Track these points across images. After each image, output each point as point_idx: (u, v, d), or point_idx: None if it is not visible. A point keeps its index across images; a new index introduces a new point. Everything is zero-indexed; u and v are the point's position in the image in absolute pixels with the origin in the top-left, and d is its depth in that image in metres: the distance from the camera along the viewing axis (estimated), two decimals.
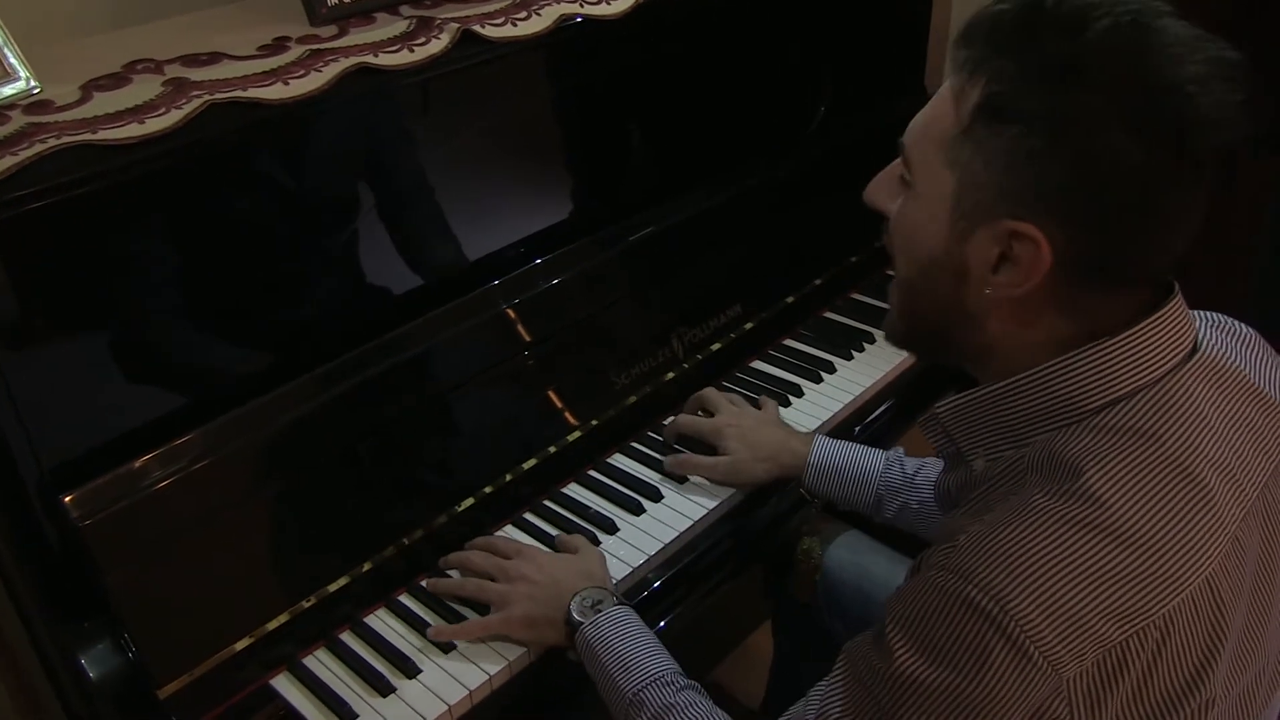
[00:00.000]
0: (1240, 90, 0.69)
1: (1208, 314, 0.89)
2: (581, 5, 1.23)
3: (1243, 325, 0.89)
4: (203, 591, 1.01)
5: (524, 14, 1.19)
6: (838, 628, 1.34)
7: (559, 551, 1.16)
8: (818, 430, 1.36)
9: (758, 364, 1.49)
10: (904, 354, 1.49)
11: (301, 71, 1.03)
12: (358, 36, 1.13)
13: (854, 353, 1.50)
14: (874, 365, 1.48)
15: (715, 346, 1.44)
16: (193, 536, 1.00)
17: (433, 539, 1.17)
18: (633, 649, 0.99)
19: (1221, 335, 0.85)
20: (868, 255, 1.65)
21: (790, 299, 1.54)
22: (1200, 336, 0.80)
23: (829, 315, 1.59)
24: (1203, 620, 0.73)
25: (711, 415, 1.33)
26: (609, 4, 1.25)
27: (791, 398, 1.42)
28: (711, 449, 1.29)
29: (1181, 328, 0.78)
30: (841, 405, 1.41)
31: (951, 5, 1.84)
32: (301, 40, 1.12)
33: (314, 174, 1.11)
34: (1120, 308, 0.77)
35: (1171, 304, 0.78)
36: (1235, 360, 0.81)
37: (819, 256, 1.61)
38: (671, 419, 1.35)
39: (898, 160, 0.84)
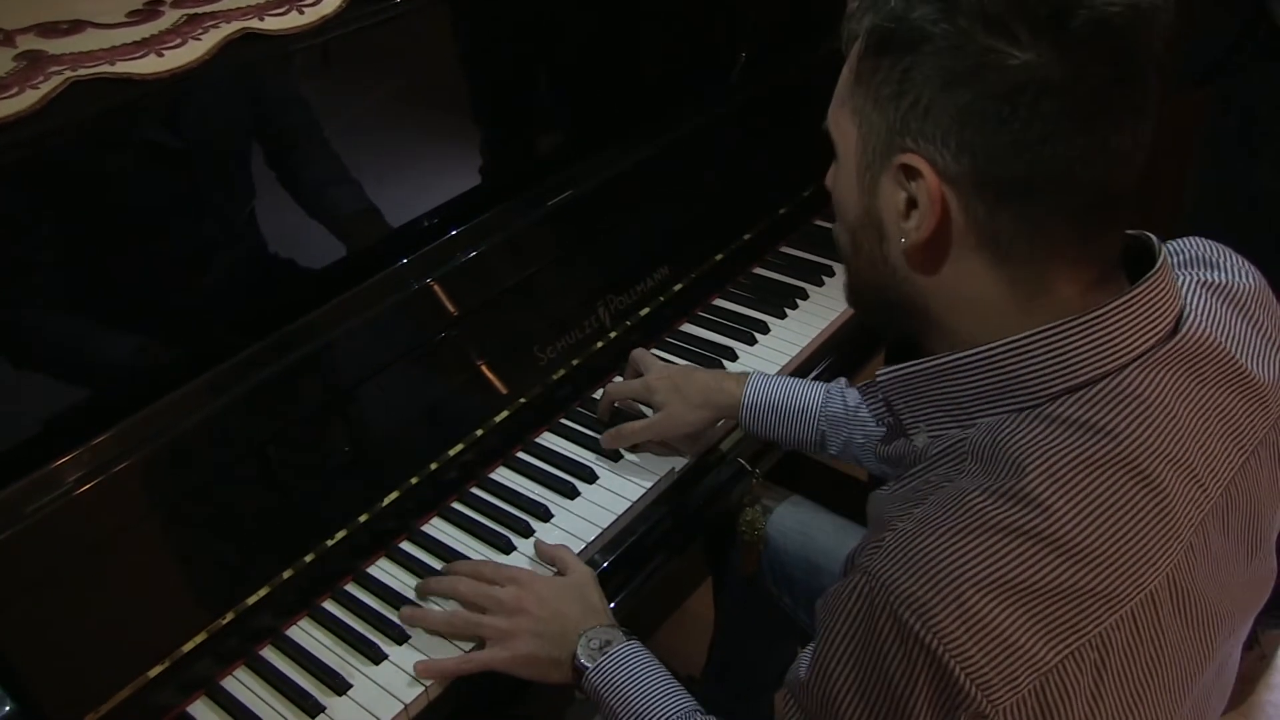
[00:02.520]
0: None
1: (1203, 263, 0.82)
2: None
3: (1248, 276, 0.81)
4: (106, 620, 0.93)
5: None
6: (785, 600, 1.31)
7: (540, 557, 1.10)
8: None
9: (688, 327, 1.43)
10: (839, 309, 1.45)
11: (177, 40, 0.92)
12: None
13: (787, 310, 1.45)
14: (808, 323, 1.44)
15: (644, 311, 1.37)
16: (88, 562, 0.92)
17: (356, 538, 1.09)
18: (645, 694, 0.94)
19: (1214, 299, 0.78)
20: (796, 205, 1.59)
21: (719, 256, 1.48)
22: (1186, 311, 0.74)
23: (759, 271, 1.54)
24: (1144, 639, 0.67)
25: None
26: None
27: (725, 361, 1.36)
28: (645, 413, 1.23)
29: (1159, 309, 0.71)
30: (778, 367, 1.36)
31: None
32: (177, 3, 1.00)
33: (198, 153, 1.01)
34: (1046, 239, 0.68)
35: (1149, 282, 0.70)
36: (1221, 334, 0.74)
37: (746, 210, 1.54)
38: (603, 391, 1.28)
39: None
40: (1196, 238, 0.86)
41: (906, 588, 0.64)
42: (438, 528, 1.16)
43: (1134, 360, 0.69)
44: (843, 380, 1.20)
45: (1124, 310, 0.69)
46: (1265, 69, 1.36)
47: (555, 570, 1.08)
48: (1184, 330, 0.72)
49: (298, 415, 1.06)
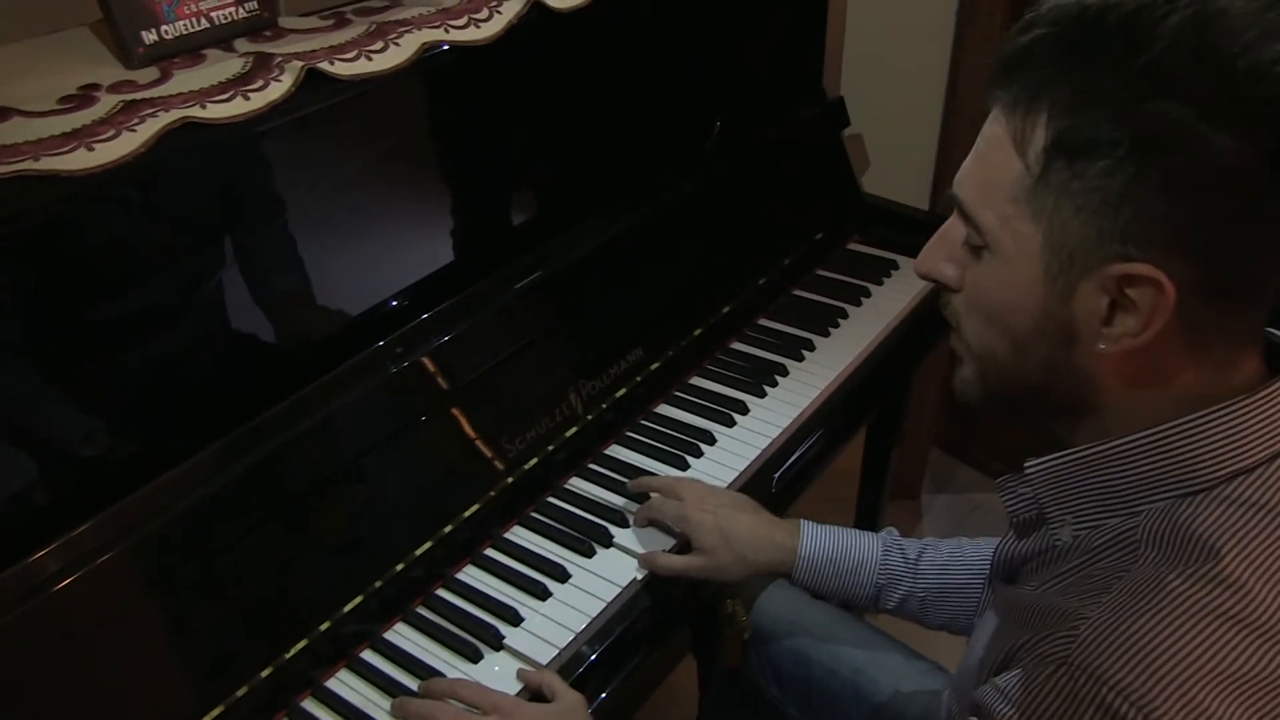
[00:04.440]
0: None
1: None
2: (446, 30, 1.08)
3: None
4: None
5: (379, 45, 1.04)
6: (773, 692, 1.24)
7: (527, 685, 1.02)
8: (733, 484, 1.25)
9: (664, 409, 1.37)
10: (821, 385, 1.39)
11: (109, 132, 0.86)
12: (183, 81, 0.96)
13: (767, 388, 1.39)
14: (790, 401, 1.38)
15: (619, 393, 1.31)
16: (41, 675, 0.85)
17: (317, 648, 1.02)
18: None
19: None
20: (775, 275, 1.54)
21: (697, 331, 1.43)
22: None
23: (738, 347, 1.48)
24: None
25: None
26: (478, 27, 1.10)
27: (704, 446, 1.30)
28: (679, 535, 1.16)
29: None
30: (758, 450, 1.30)
31: (846, 3, 1.74)
32: (114, 88, 0.95)
33: (141, 248, 0.94)
34: (1247, 333, 0.68)
35: None
36: None
37: (724, 282, 1.49)
38: (638, 509, 1.20)
39: (951, 221, 0.75)
40: None
41: (1119, 678, 0.61)
42: (402, 634, 1.09)
43: None
44: (894, 530, 1.15)
45: None
46: None
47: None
48: None
49: (249, 524, 0.99)
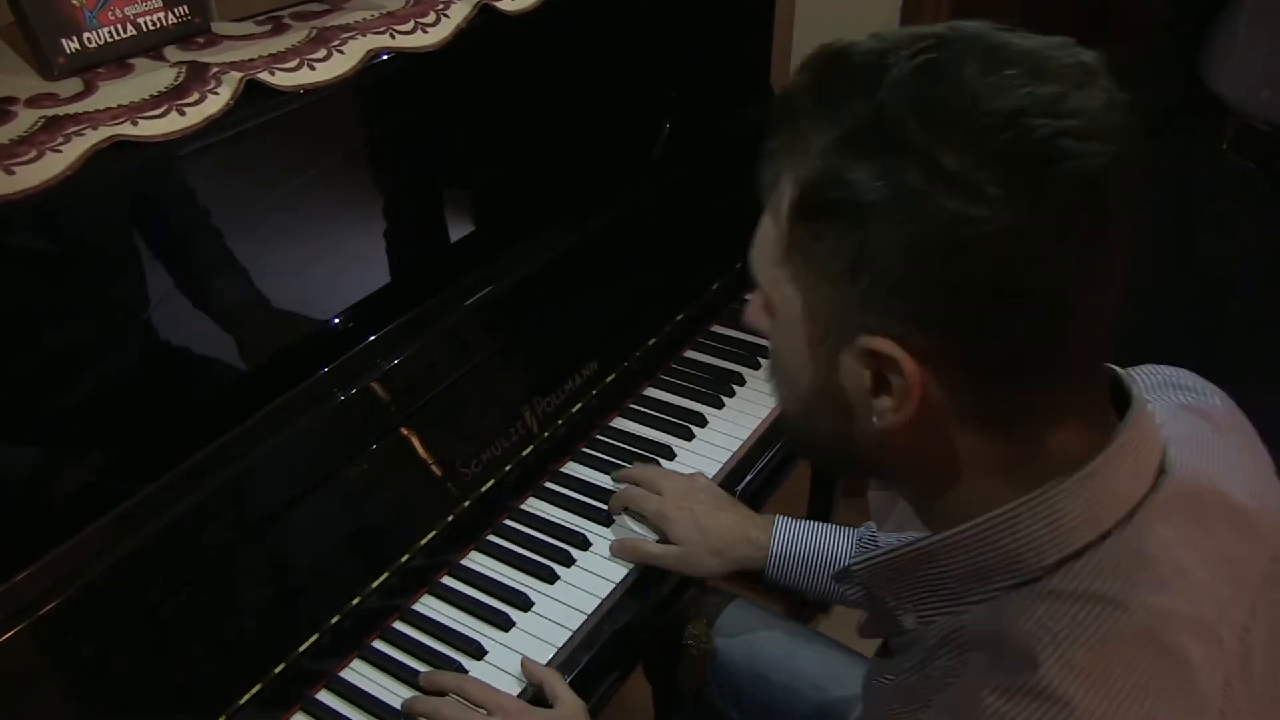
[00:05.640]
0: (1101, 95, 0.54)
1: (1174, 386, 0.75)
2: (392, 36, 1.02)
3: (1214, 395, 0.76)
4: None
5: (321, 52, 0.98)
6: (733, 716, 1.22)
7: (527, 678, 1.01)
8: None
9: (621, 422, 1.33)
10: None
11: (30, 153, 0.79)
12: (110, 94, 0.89)
13: (724, 399, 1.36)
14: (747, 411, 1.35)
15: (575, 409, 1.27)
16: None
17: (269, 693, 0.96)
18: None
19: (1196, 421, 0.72)
20: (729, 280, 1.51)
21: (652, 340, 1.39)
22: (1166, 448, 0.66)
23: (693, 355, 1.45)
24: None
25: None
26: (425, 32, 1.05)
27: (663, 462, 1.26)
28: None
29: (1144, 452, 0.63)
30: (719, 465, 1.27)
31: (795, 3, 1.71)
32: (33, 102, 0.87)
33: (54, 281, 0.87)
34: (1044, 404, 0.60)
35: (1130, 423, 0.62)
36: (1208, 474, 0.67)
37: (679, 288, 1.46)
38: (614, 495, 1.19)
39: None
40: (1156, 365, 0.79)
41: None
42: (358, 671, 1.04)
43: (1130, 514, 0.61)
44: (873, 525, 1.11)
45: (1114, 462, 0.61)
46: (1198, 134, 1.33)
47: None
48: (1173, 469, 0.64)
49: (194, 565, 0.93)
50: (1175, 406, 0.73)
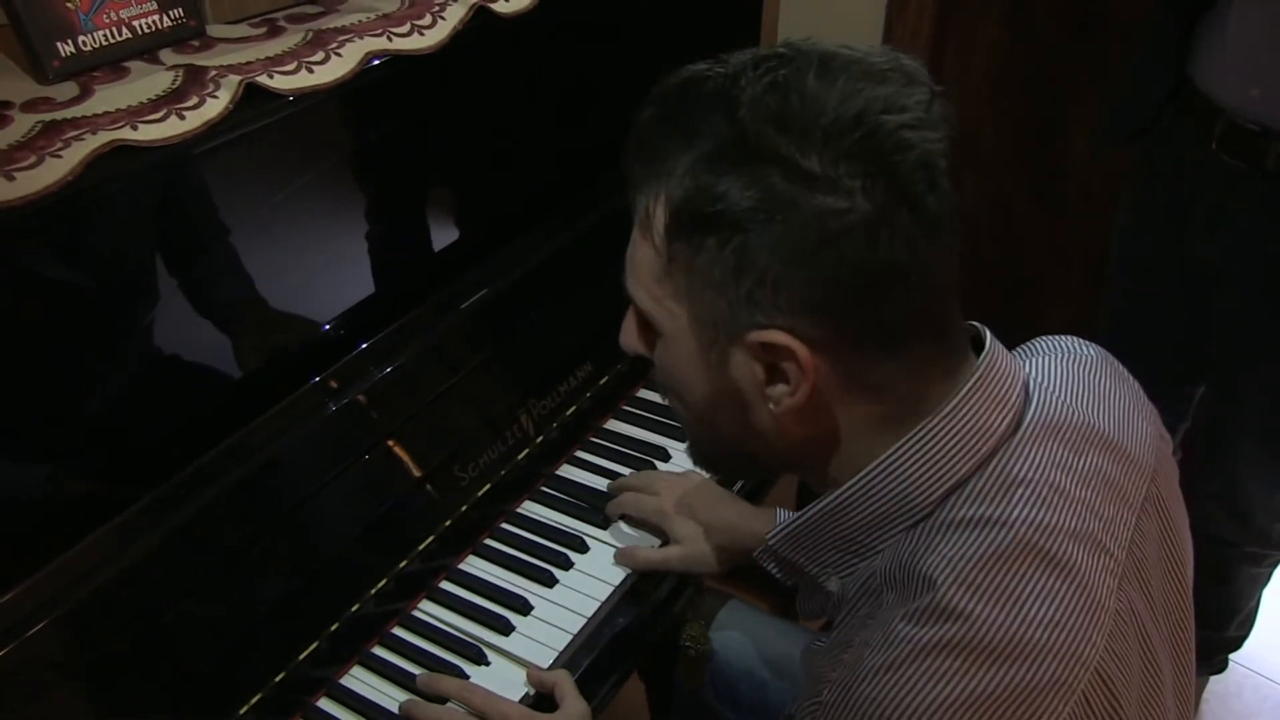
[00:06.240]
0: (925, 91, 0.63)
1: (1042, 344, 0.82)
2: (389, 38, 1.02)
3: (1088, 347, 0.82)
4: None
5: (319, 55, 0.97)
6: (729, 716, 1.22)
7: (534, 685, 1.01)
8: None
9: (614, 424, 1.33)
10: None
11: (30, 158, 0.78)
12: (107, 98, 0.88)
13: None
14: None
15: (570, 411, 1.27)
16: None
17: (265, 703, 0.96)
18: None
19: (1061, 364, 0.78)
20: None
21: None
22: (1031, 388, 0.72)
23: None
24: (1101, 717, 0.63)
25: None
26: (422, 34, 1.04)
27: (658, 463, 1.27)
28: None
29: (1004, 386, 0.70)
30: None
31: (779, 3, 1.72)
32: (29, 107, 0.86)
33: (68, 276, 0.86)
34: (918, 364, 0.67)
35: (985, 362, 0.69)
36: (1074, 407, 0.73)
37: None
38: (611, 503, 1.18)
39: (632, 307, 0.74)
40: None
41: None
42: (358, 678, 1.03)
43: (1000, 444, 0.68)
44: None
45: (975, 394, 0.68)
46: (1188, 133, 1.34)
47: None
48: (1036, 401, 0.71)
49: (186, 579, 0.92)
50: (1043, 355, 0.80)
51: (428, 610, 1.09)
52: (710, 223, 0.63)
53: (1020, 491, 0.66)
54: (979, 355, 0.71)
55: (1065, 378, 0.76)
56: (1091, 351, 0.81)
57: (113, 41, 0.93)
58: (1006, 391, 0.70)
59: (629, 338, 0.76)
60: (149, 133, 0.84)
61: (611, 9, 1.37)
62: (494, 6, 1.12)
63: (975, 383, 0.68)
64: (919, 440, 0.67)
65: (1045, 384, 0.74)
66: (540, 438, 1.23)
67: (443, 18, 1.07)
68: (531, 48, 1.24)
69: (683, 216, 0.64)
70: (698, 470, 1.22)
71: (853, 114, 0.60)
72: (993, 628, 0.61)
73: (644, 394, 1.38)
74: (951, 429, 0.67)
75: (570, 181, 1.37)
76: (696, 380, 0.70)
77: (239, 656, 0.96)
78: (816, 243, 0.61)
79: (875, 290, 0.63)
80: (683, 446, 1.28)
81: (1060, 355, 0.80)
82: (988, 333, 0.72)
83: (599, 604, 1.10)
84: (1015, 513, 0.65)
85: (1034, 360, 0.80)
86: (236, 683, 0.95)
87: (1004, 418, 0.69)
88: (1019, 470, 0.67)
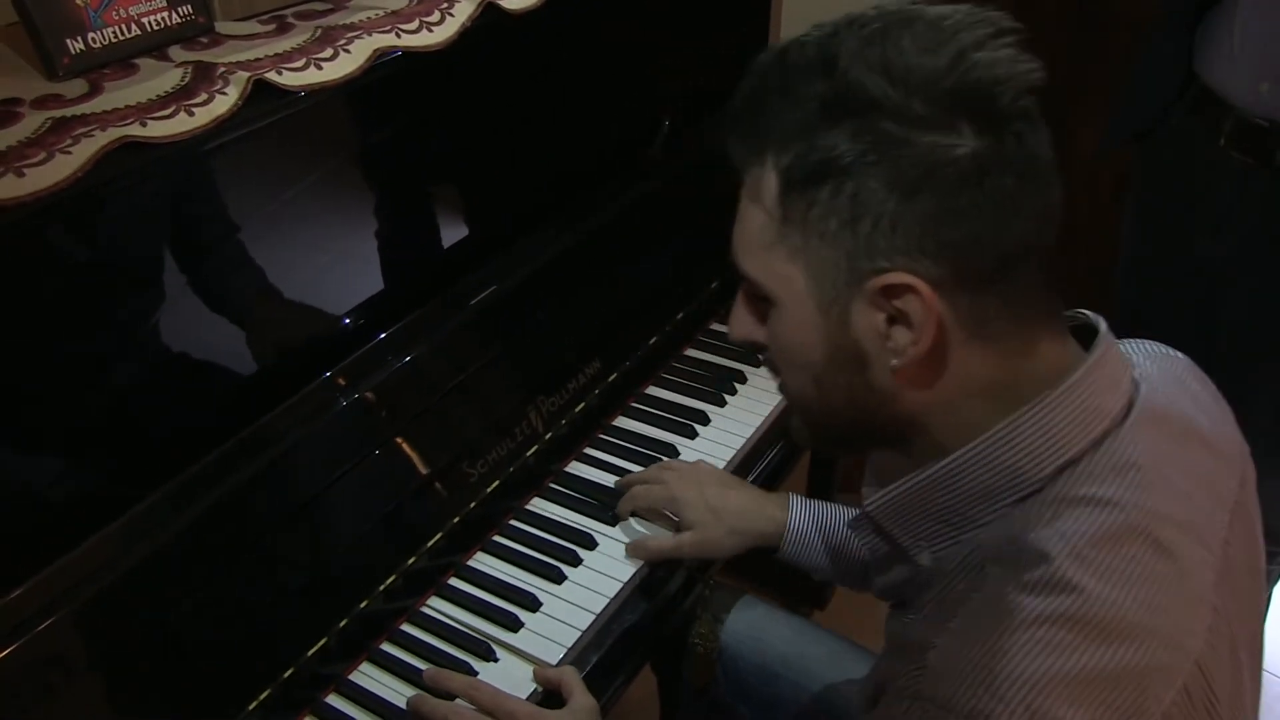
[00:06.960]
0: (1010, 37, 0.65)
1: (1138, 344, 0.82)
2: (397, 35, 1.02)
3: (1175, 353, 0.82)
4: None
5: (328, 51, 0.97)
6: (741, 711, 1.22)
7: (540, 682, 1.01)
8: None
9: (623, 421, 1.33)
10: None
11: (40, 154, 0.78)
12: (116, 95, 0.88)
13: (726, 396, 1.36)
14: (750, 409, 1.35)
15: (578, 408, 1.27)
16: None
17: (274, 700, 0.96)
18: None
19: (1157, 370, 0.77)
20: (728, 277, 1.51)
21: (653, 339, 1.39)
22: (1138, 377, 0.73)
23: (694, 354, 1.45)
24: (1199, 713, 0.63)
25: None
26: (430, 31, 1.04)
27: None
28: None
29: (1117, 371, 0.71)
30: (724, 462, 1.27)
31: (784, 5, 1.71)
32: (39, 104, 0.86)
33: (78, 272, 0.86)
34: (1029, 311, 0.69)
35: (1102, 344, 0.71)
36: (1177, 401, 0.73)
37: (679, 286, 1.46)
38: (624, 497, 1.18)
39: (742, 289, 0.75)
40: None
41: (966, 703, 0.61)
42: (367, 674, 1.03)
43: (1114, 426, 0.69)
44: None
45: (1094, 373, 0.69)
46: (1196, 129, 1.33)
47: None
48: (1143, 393, 0.71)
49: (196, 575, 0.92)
50: (1139, 352, 0.80)
51: (436, 607, 1.09)
52: (822, 174, 0.64)
53: (1132, 475, 0.67)
54: (1080, 341, 0.72)
55: (1163, 375, 0.77)
56: (1179, 355, 0.82)
57: (122, 38, 0.93)
58: (1120, 377, 0.71)
59: (739, 323, 0.76)
60: (158, 129, 0.84)
61: (620, 6, 1.37)
62: (503, 3, 1.12)
63: (1095, 362, 0.69)
64: (1040, 411, 0.68)
65: (1150, 378, 0.74)
66: (549, 434, 1.23)
67: (451, 14, 1.07)
68: (540, 44, 1.24)
69: (795, 173, 0.65)
70: (706, 460, 1.23)
71: (950, 56, 0.62)
72: (1105, 604, 0.61)
73: (653, 391, 1.38)
74: (1073, 404, 0.68)
75: (580, 178, 1.37)
76: (816, 344, 0.70)
77: (248, 653, 0.96)
78: (929, 176, 0.62)
79: (987, 221, 0.64)
80: (691, 444, 1.29)
81: (1153, 355, 0.80)
82: (1101, 320, 0.74)
83: (608, 600, 1.09)
84: (1128, 495, 0.66)
85: (1132, 349, 0.80)
86: (246, 679, 0.95)
87: (1118, 401, 0.69)
88: (1131, 454, 0.68)
